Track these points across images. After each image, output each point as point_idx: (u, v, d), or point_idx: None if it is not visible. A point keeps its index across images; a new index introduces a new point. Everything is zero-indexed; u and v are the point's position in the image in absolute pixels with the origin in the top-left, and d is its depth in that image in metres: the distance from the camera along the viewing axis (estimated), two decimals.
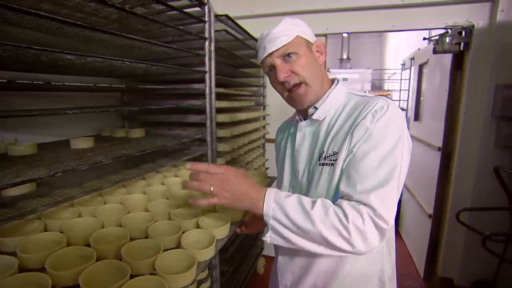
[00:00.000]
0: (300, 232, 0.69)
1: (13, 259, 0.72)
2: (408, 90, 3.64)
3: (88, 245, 0.81)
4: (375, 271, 0.80)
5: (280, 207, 0.71)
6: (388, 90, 4.98)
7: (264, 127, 2.51)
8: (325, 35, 2.26)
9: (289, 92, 0.81)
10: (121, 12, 0.97)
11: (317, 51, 0.82)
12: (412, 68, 3.25)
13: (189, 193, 1.20)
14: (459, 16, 1.91)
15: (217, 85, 1.56)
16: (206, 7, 1.40)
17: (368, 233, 0.65)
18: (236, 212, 1.08)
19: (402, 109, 3.96)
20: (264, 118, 2.55)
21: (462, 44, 1.92)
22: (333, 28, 2.21)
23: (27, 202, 0.87)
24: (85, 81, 1.47)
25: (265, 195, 0.74)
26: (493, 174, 1.72)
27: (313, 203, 0.70)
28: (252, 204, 0.74)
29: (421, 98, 2.90)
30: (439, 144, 2.19)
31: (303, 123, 0.86)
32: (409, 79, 3.50)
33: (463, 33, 1.90)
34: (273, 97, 2.42)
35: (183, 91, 1.62)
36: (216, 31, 1.48)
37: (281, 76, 0.77)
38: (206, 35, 1.42)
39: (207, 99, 1.50)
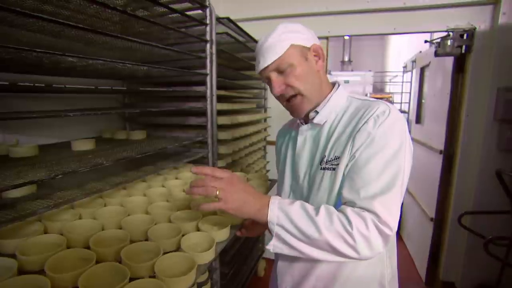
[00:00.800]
0: (306, 239, 0.68)
1: (13, 261, 0.72)
2: (410, 93, 3.63)
3: (88, 248, 0.81)
4: (375, 275, 0.80)
5: (285, 214, 0.71)
6: (390, 93, 4.97)
7: (265, 130, 2.50)
8: (327, 38, 2.26)
9: (287, 102, 0.82)
10: (122, 14, 0.97)
11: (314, 55, 0.80)
12: (414, 71, 3.25)
13: (190, 196, 1.20)
14: (461, 19, 1.91)
15: (218, 87, 1.56)
16: (207, 10, 1.40)
17: (372, 239, 0.65)
18: None
19: (404, 112, 3.95)
20: (265, 120, 2.55)
21: (463, 47, 1.92)
22: (335, 31, 2.21)
23: (27, 204, 0.87)
24: (87, 83, 1.48)
25: (269, 202, 0.74)
26: (495, 178, 1.71)
27: (317, 210, 0.70)
28: (256, 210, 0.74)
29: (423, 101, 2.89)
30: (441, 147, 2.18)
31: (304, 127, 0.86)
32: (411, 82, 3.49)
33: (465, 36, 1.90)
34: (274, 100, 2.40)
35: (184, 93, 1.63)
36: (217, 33, 1.48)
37: (276, 90, 0.79)
38: (208, 37, 1.42)
39: (208, 101, 1.50)
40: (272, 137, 2.56)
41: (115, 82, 1.75)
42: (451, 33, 1.91)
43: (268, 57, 0.76)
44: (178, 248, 0.87)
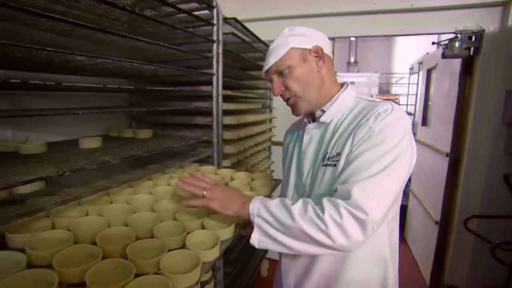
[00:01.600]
0: (283, 228, 0.71)
1: (22, 256, 0.73)
2: (416, 95, 3.60)
3: (95, 244, 0.82)
4: (378, 276, 0.80)
5: (264, 206, 0.76)
6: (396, 94, 4.94)
7: (270, 130, 2.51)
8: (333, 39, 2.26)
9: (287, 102, 0.87)
10: (131, 14, 0.99)
11: (315, 56, 0.81)
12: (420, 73, 3.23)
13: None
14: (469, 20, 1.89)
15: (224, 88, 1.57)
16: (214, 10, 1.41)
17: (346, 225, 0.65)
18: None
19: (410, 114, 3.92)
20: (270, 121, 2.55)
21: (472, 49, 1.90)
22: (341, 32, 2.20)
23: (36, 199, 0.88)
24: (95, 82, 1.50)
25: (252, 199, 0.80)
26: (502, 181, 1.69)
27: (295, 201, 0.73)
28: (240, 206, 0.81)
29: (429, 103, 2.87)
30: (447, 149, 2.16)
31: (310, 126, 0.88)
32: (417, 84, 3.47)
33: (473, 37, 1.88)
34: (279, 100, 2.41)
35: (190, 93, 1.64)
36: (224, 33, 1.49)
37: (276, 91, 0.85)
38: (214, 37, 1.43)
39: (214, 101, 1.51)
40: (277, 138, 2.56)
41: (122, 81, 1.77)
42: (459, 35, 1.89)
43: (270, 59, 0.82)
44: (183, 246, 0.88)
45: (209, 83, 1.50)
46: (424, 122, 2.95)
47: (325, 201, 0.69)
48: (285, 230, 0.71)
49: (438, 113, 2.52)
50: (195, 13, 1.31)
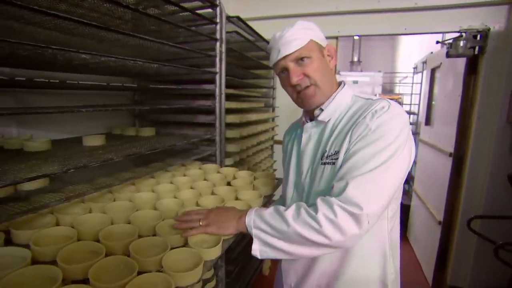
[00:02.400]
0: (280, 234, 0.72)
1: (27, 252, 0.74)
2: (420, 94, 3.58)
3: (98, 241, 0.83)
4: (378, 274, 0.80)
5: (259, 216, 0.78)
6: (399, 94, 4.90)
7: (273, 129, 2.51)
8: (336, 38, 2.24)
9: (299, 93, 0.82)
10: (134, 12, 0.99)
11: (328, 55, 0.85)
12: (424, 72, 3.20)
13: (197, 192, 1.22)
14: (474, 19, 1.87)
15: (227, 86, 1.57)
16: (218, 9, 1.41)
17: (340, 221, 0.65)
18: None
19: (413, 113, 3.90)
20: (273, 119, 2.55)
21: (476, 48, 1.88)
22: (345, 31, 2.19)
23: (40, 196, 0.89)
24: (98, 80, 1.50)
25: (247, 212, 0.82)
26: (506, 182, 1.67)
27: (295, 200, 0.75)
28: (236, 222, 0.83)
29: (433, 102, 2.85)
30: (451, 149, 2.14)
31: (308, 125, 0.88)
32: (421, 83, 3.44)
33: (478, 36, 1.86)
34: (282, 99, 2.42)
35: (193, 91, 1.64)
36: (227, 32, 1.49)
37: (294, 79, 0.79)
38: (217, 36, 1.43)
39: (217, 100, 1.51)
40: (280, 137, 2.55)
41: (126, 79, 1.78)
42: (463, 34, 1.88)
43: (291, 46, 0.77)
44: (185, 244, 0.88)
45: (212, 81, 1.50)
46: (428, 121, 2.93)
47: (319, 201, 0.70)
48: (282, 236, 0.72)
49: (442, 112, 2.50)
50: (198, 11, 1.32)
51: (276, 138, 2.57)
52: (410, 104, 4.11)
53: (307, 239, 0.68)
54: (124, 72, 1.46)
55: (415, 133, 3.59)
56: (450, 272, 2.18)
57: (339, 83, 0.89)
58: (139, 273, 0.71)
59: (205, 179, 1.41)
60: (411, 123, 3.99)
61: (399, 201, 0.83)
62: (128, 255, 0.78)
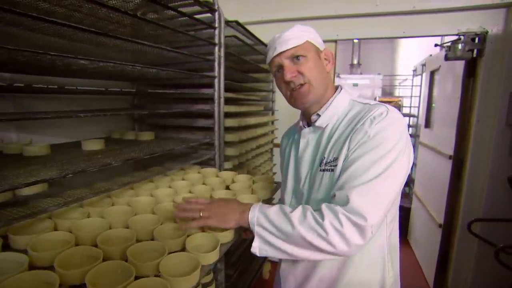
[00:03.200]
0: (283, 236, 0.72)
1: (24, 257, 0.74)
2: (419, 97, 3.58)
3: (96, 246, 0.83)
4: (377, 279, 0.80)
5: (263, 214, 0.76)
6: (399, 97, 4.91)
7: (272, 132, 2.51)
8: (335, 41, 2.25)
9: (293, 91, 0.82)
10: (133, 18, 1.00)
11: (325, 59, 0.85)
12: (424, 75, 3.21)
13: (195, 197, 1.21)
14: (473, 22, 1.88)
15: (226, 90, 1.57)
16: (216, 13, 1.42)
17: (346, 231, 0.65)
18: None
19: (413, 116, 3.90)
20: (272, 123, 2.55)
21: (475, 51, 1.88)
22: (343, 34, 2.20)
23: (39, 201, 0.89)
24: (97, 85, 1.51)
25: (250, 207, 0.80)
26: (506, 184, 1.67)
27: (294, 208, 0.74)
28: (238, 215, 0.81)
29: (433, 105, 2.85)
30: (451, 152, 2.14)
31: (306, 130, 0.87)
32: (420, 86, 3.45)
33: (476, 39, 1.86)
34: (282, 102, 2.42)
35: (192, 95, 1.65)
36: (226, 36, 1.50)
37: (288, 75, 0.79)
38: (216, 40, 1.44)
39: (216, 104, 1.52)
40: (279, 140, 2.55)
41: (124, 84, 1.79)
42: (462, 37, 1.88)
43: (287, 44, 0.78)
44: (183, 249, 0.88)
45: (211, 85, 1.51)
46: (427, 124, 2.93)
47: (324, 208, 0.69)
48: (286, 237, 0.71)
49: (441, 115, 2.50)
50: (197, 16, 1.32)
51: (275, 141, 2.57)
52: (410, 107, 4.11)
53: (311, 243, 0.68)
54: (123, 76, 1.47)
55: (415, 136, 3.59)
56: (451, 275, 2.17)
57: (336, 88, 0.88)
58: (137, 277, 0.71)
59: (203, 183, 1.41)
60: (411, 126, 3.99)
61: (398, 206, 0.83)
62: (126, 259, 0.78)
